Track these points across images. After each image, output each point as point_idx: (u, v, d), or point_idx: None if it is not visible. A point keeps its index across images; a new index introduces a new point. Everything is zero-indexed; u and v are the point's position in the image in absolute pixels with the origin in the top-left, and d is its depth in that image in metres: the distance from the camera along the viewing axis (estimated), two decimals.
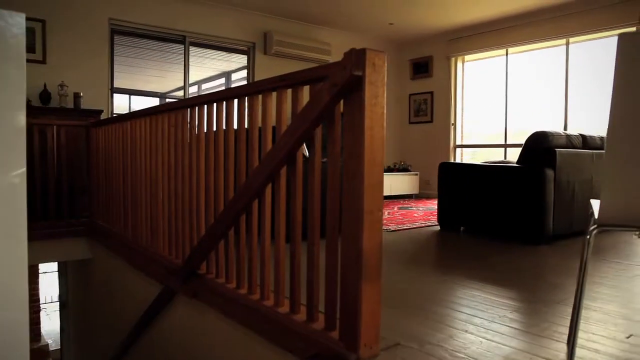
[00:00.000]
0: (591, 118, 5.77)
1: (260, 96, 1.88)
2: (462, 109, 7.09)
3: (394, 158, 7.63)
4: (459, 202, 3.88)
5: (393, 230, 3.91)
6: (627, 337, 1.66)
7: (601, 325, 1.78)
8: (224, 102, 2.15)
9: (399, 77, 7.73)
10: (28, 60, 4.69)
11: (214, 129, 2.26)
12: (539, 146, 3.45)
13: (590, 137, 3.84)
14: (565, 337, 1.64)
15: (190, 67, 6.05)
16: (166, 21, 5.57)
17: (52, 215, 4.08)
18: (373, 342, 1.43)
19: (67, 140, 4.15)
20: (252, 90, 1.91)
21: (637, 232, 1.21)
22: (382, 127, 1.41)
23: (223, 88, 6.71)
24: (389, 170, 7.20)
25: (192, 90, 6.60)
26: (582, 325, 1.78)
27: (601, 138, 3.93)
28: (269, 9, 6.10)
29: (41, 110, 4.53)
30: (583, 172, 3.63)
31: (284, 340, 1.69)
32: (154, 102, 5.93)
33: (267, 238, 1.89)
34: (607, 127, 1.14)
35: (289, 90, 1.71)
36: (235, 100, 2.05)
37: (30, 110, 4.45)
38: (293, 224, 1.70)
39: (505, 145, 6.54)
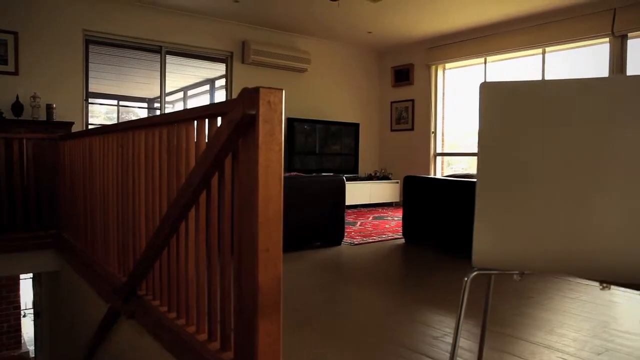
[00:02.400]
0: None
1: (185, 124, 1.89)
2: (443, 117, 7.10)
3: (375, 166, 7.64)
4: (423, 216, 3.89)
5: (356, 244, 3.92)
6: None
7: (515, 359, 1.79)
8: (163, 128, 2.16)
9: (380, 85, 7.74)
10: (0, 72, 4.72)
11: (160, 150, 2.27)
12: None
13: None
14: None
15: (173, 74, 6.10)
16: (142, 31, 5.59)
17: (20, 228, 4.11)
18: None
19: (35, 152, 4.16)
20: (177, 119, 1.93)
21: (517, 274, 1.23)
22: (279, 164, 1.42)
23: (207, 95, 6.76)
24: (370, 178, 7.21)
25: (178, 96, 6.64)
26: (500, 356, 1.79)
27: None
28: (246, 19, 6.12)
29: (12, 122, 4.56)
30: None
31: None
32: (143, 107, 6.00)
33: (192, 263, 1.90)
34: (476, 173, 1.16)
35: (207, 121, 1.73)
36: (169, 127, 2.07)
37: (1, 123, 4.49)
38: (209, 252, 1.72)
39: None
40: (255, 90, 1.37)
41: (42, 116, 4.81)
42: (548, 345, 1.87)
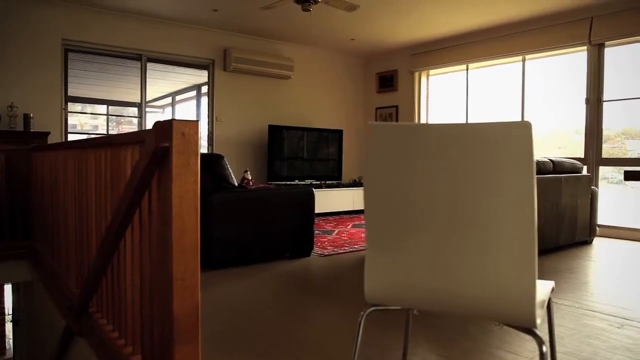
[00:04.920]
0: (545, 130, 5.94)
1: (123, 148, 1.91)
2: (427, 123, 7.10)
3: (359, 172, 7.65)
4: None
5: (326, 255, 3.93)
6: None
7: None
8: (107, 149, 2.19)
9: (365, 90, 7.76)
10: None
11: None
12: None
13: (559, 162, 4.22)
14: None
15: (161, 80, 6.14)
16: (121, 40, 5.61)
17: None
18: None
19: (8, 163, 4.20)
20: (112, 142, 1.95)
21: (414, 311, 1.25)
22: (195, 195, 1.44)
23: (194, 100, 6.77)
24: (354, 184, 7.22)
25: (167, 101, 6.65)
26: None
27: (571, 163, 4.35)
28: (227, 27, 6.14)
29: None
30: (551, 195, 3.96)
31: None
32: (133, 116, 6.04)
33: (129, 281, 1.92)
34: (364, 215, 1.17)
35: (138, 146, 1.75)
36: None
37: None
38: (142, 273, 1.74)
39: None
40: (169, 123, 1.39)
41: (20, 126, 4.84)
42: None
